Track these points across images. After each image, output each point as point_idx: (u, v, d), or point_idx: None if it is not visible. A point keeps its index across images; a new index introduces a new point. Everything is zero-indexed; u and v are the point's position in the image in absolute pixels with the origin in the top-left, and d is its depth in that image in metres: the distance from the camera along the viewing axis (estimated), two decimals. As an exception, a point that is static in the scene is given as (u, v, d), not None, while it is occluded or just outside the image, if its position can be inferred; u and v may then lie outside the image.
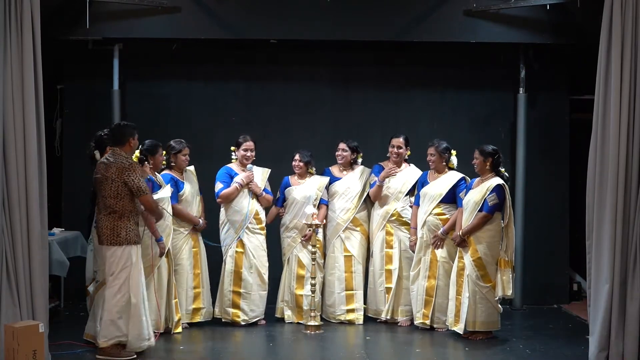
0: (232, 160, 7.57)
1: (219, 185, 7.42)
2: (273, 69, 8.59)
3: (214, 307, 7.48)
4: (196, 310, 7.31)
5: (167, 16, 7.85)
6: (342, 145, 7.70)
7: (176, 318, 7.05)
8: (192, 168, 7.42)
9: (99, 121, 7.84)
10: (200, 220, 7.31)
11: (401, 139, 7.57)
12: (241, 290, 7.40)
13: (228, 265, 7.41)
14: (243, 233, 7.38)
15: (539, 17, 7.92)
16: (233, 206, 7.39)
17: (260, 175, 7.57)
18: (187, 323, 7.26)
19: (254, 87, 8.60)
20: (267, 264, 7.51)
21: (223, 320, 7.45)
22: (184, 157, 7.24)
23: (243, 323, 7.39)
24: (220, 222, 7.50)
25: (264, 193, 7.51)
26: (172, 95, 8.55)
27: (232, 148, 7.58)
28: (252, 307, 7.43)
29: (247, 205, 7.38)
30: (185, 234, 7.22)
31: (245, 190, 7.41)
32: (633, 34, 5.87)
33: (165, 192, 6.82)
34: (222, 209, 7.51)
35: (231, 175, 7.44)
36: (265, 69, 8.58)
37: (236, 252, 7.39)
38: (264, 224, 7.54)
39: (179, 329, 7.07)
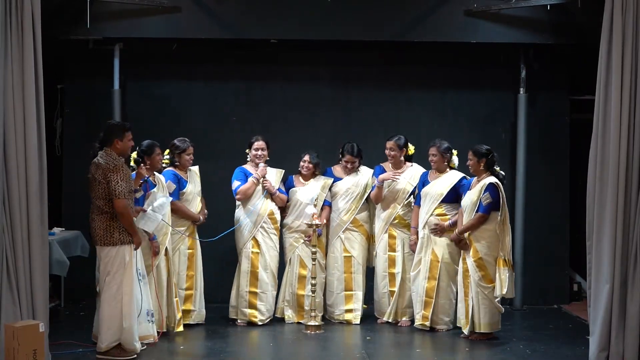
0: (248, 162, 7.58)
1: (236, 183, 7.45)
2: (273, 69, 8.59)
3: (204, 310, 7.45)
4: (186, 312, 7.28)
5: (167, 16, 7.84)
6: (349, 158, 7.57)
7: (178, 317, 7.04)
8: (196, 168, 7.42)
9: (99, 121, 7.82)
10: (200, 216, 7.32)
11: (392, 142, 7.48)
12: (257, 291, 7.40)
13: (244, 266, 7.41)
14: (258, 232, 7.39)
15: (539, 17, 7.92)
16: (248, 205, 7.41)
17: (275, 176, 7.57)
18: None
19: (254, 87, 8.60)
20: (277, 265, 7.54)
21: (239, 321, 7.43)
22: (188, 156, 7.24)
23: (260, 323, 7.39)
24: (235, 220, 7.50)
25: (278, 192, 7.50)
26: (172, 95, 8.55)
27: (247, 150, 7.59)
28: (268, 307, 7.46)
29: (261, 204, 7.39)
30: (179, 235, 7.21)
31: (259, 191, 7.42)
32: (634, 34, 5.87)
33: (162, 199, 6.74)
34: (237, 209, 7.53)
35: (246, 174, 7.47)
36: (265, 69, 8.58)
37: (252, 252, 7.40)
38: (278, 224, 7.54)
39: (181, 328, 7.06)
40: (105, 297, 6.09)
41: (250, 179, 7.40)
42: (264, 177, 7.42)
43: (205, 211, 7.46)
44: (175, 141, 7.26)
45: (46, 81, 6.00)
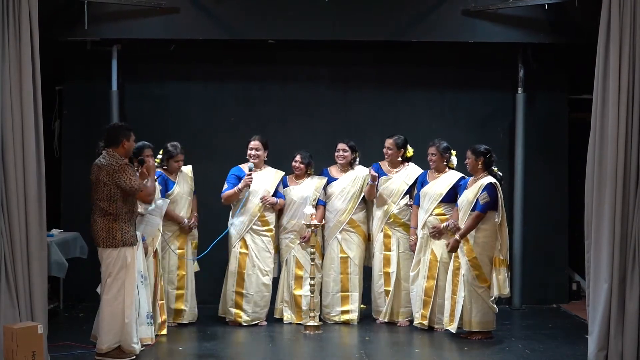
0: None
1: (224, 186, 7.48)
2: (272, 69, 8.59)
3: (196, 309, 7.47)
4: (178, 311, 7.32)
5: (165, 17, 7.85)
6: (342, 146, 7.67)
7: (160, 320, 6.98)
8: (189, 168, 7.41)
9: (97, 122, 7.84)
10: (185, 220, 7.28)
11: (391, 140, 7.54)
12: (243, 291, 7.42)
13: (232, 266, 7.44)
14: (247, 234, 7.41)
15: (537, 16, 7.92)
16: (240, 209, 7.42)
17: (272, 178, 7.57)
18: (169, 322, 7.24)
19: (252, 88, 8.60)
20: (271, 266, 7.51)
21: (227, 320, 7.48)
22: (176, 163, 7.24)
23: (245, 324, 7.41)
24: (229, 224, 7.51)
25: (277, 201, 7.50)
26: (171, 95, 8.55)
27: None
28: (255, 309, 7.45)
29: (251, 209, 7.41)
30: (170, 234, 7.22)
31: (257, 199, 7.40)
32: (631, 33, 5.87)
33: (159, 201, 6.68)
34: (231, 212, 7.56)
35: (239, 177, 7.47)
36: (263, 69, 8.57)
37: (240, 253, 7.42)
38: (271, 226, 7.51)
39: (164, 331, 7.02)
40: (106, 298, 6.07)
41: (234, 188, 7.39)
42: (263, 199, 7.39)
43: (196, 214, 7.45)
44: (168, 145, 7.26)
45: (44, 83, 6.00)
